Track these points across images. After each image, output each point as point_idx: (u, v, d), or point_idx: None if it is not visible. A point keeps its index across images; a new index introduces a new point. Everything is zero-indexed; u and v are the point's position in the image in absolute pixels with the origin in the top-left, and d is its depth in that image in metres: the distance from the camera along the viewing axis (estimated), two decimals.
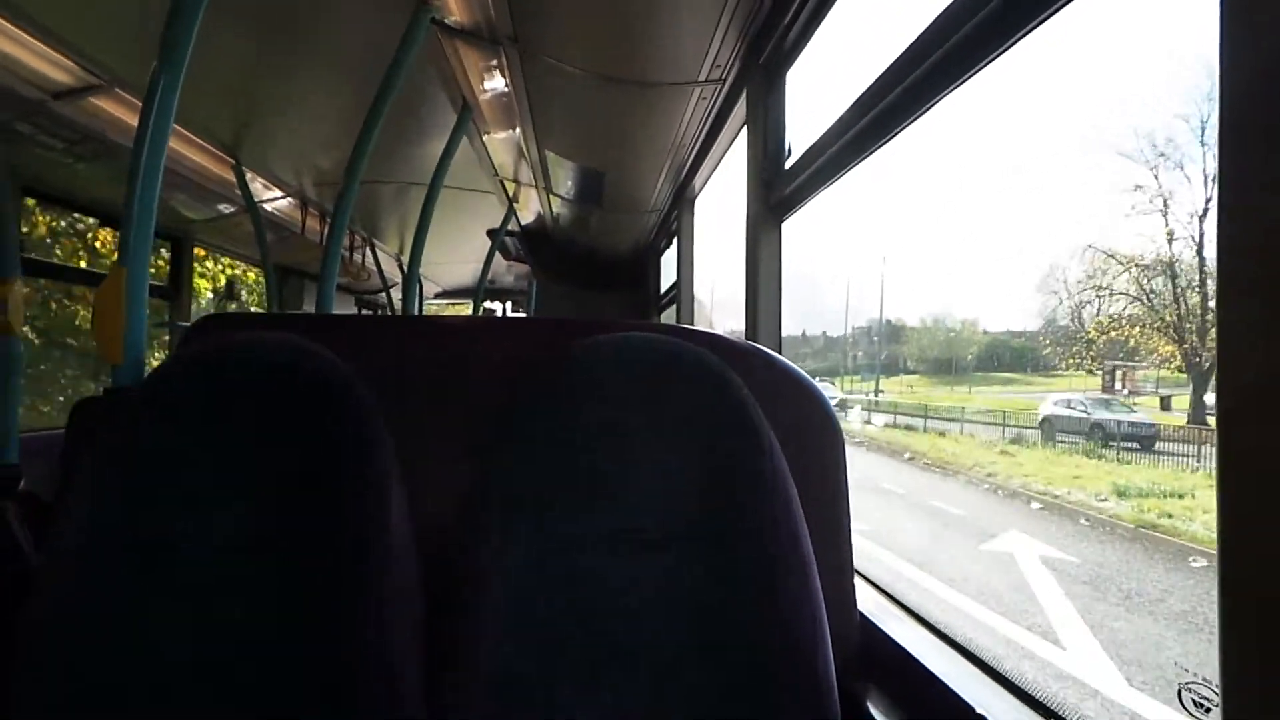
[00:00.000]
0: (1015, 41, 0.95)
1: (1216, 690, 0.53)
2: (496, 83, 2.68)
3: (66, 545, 0.76)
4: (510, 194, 4.36)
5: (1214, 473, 0.54)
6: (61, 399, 4.46)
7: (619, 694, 0.74)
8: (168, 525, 0.74)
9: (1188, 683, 0.86)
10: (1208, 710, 0.83)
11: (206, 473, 0.76)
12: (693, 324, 3.71)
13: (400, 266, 6.57)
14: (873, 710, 0.93)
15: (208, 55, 1.46)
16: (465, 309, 8.85)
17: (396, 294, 6.90)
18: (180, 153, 3.38)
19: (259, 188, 4.12)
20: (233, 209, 4.20)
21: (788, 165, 1.92)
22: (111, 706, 0.71)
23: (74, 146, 3.01)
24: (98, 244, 4.41)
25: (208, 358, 0.82)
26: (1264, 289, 0.50)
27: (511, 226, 5.06)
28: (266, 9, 2.30)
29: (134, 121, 1.37)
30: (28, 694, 0.71)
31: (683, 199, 3.58)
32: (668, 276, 4.49)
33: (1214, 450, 0.54)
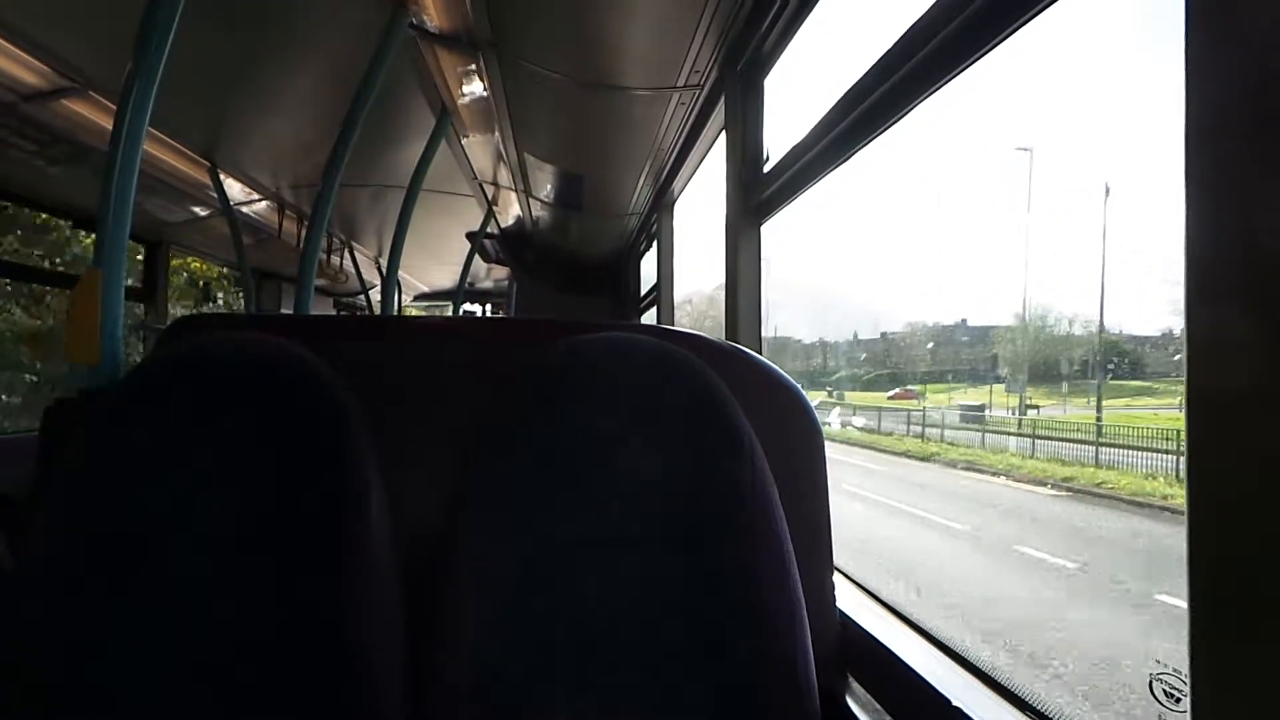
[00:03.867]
0: (996, 44, 0.96)
1: (1185, 680, 0.55)
2: (475, 87, 2.68)
3: (41, 548, 0.75)
4: (489, 197, 4.35)
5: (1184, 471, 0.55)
6: None
7: (604, 696, 0.74)
8: (144, 527, 0.74)
9: (1158, 674, 0.89)
10: (1178, 700, 0.85)
11: (183, 474, 0.75)
12: (673, 325, 3.72)
13: (379, 269, 6.54)
14: (852, 706, 0.94)
15: (183, 58, 1.45)
16: (445, 312, 8.81)
17: (375, 296, 6.86)
18: (155, 155, 3.34)
19: (236, 191, 4.09)
20: (209, 212, 4.16)
21: (766, 169, 1.94)
22: (86, 710, 0.70)
23: (46, 149, 2.98)
24: None
25: (185, 359, 0.82)
26: (1230, 294, 0.51)
27: (491, 229, 5.05)
28: (242, 11, 2.29)
29: (108, 124, 1.36)
30: (3, 698, 0.71)
31: (662, 202, 3.59)
32: (648, 279, 4.49)
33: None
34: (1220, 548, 0.52)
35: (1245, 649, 0.50)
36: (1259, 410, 0.49)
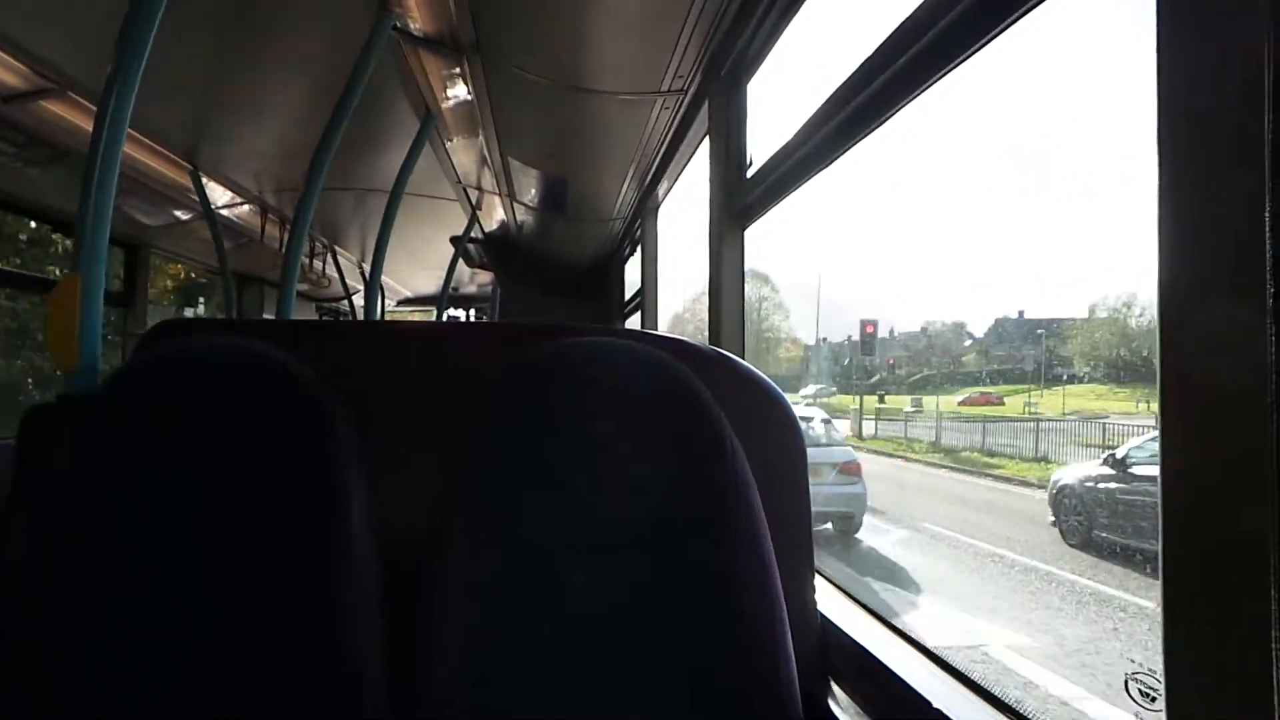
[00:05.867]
0: (980, 47, 0.96)
1: (1160, 680, 0.56)
2: (459, 90, 2.68)
3: (19, 554, 0.75)
4: (473, 201, 4.34)
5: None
6: None
7: (592, 700, 0.74)
8: (125, 531, 0.73)
9: (1134, 673, 0.90)
10: (1153, 700, 0.86)
11: (164, 479, 0.75)
12: (657, 330, 3.73)
13: (362, 274, 6.51)
14: (834, 709, 0.94)
15: (164, 60, 1.44)
16: (429, 317, 8.77)
17: (359, 300, 6.83)
18: (136, 158, 3.31)
19: (217, 194, 4.06)
20: (190, 215, 4.12)
21: (749, 174, 1.95)
22: (68, 712, 0.70)
23: (24, 150, 2.94)
24: None
25: (164, 363, 0.82)
26: (1203, 290, 0.52)
27: (475, 233, 5.04)
28: (225, 13, 2.27)
29: (88, 126, 1.35)
30: None
31: (646, 207, 3.59)
32: (633, 285, 4.50)
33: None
34: (1194, 547, 0.53)
35: (1219, 648, 0.51)
36: (1231, 408, 0.50)
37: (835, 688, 0.98)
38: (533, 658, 0.75)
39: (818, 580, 1.03)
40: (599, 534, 0.78)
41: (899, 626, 1.07)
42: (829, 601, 1.08)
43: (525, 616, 0.75)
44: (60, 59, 2.48)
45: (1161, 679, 0.55)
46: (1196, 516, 0.52)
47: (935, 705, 0.82)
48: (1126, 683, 0.91)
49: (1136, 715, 0.89)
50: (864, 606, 1.15)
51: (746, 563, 0.80)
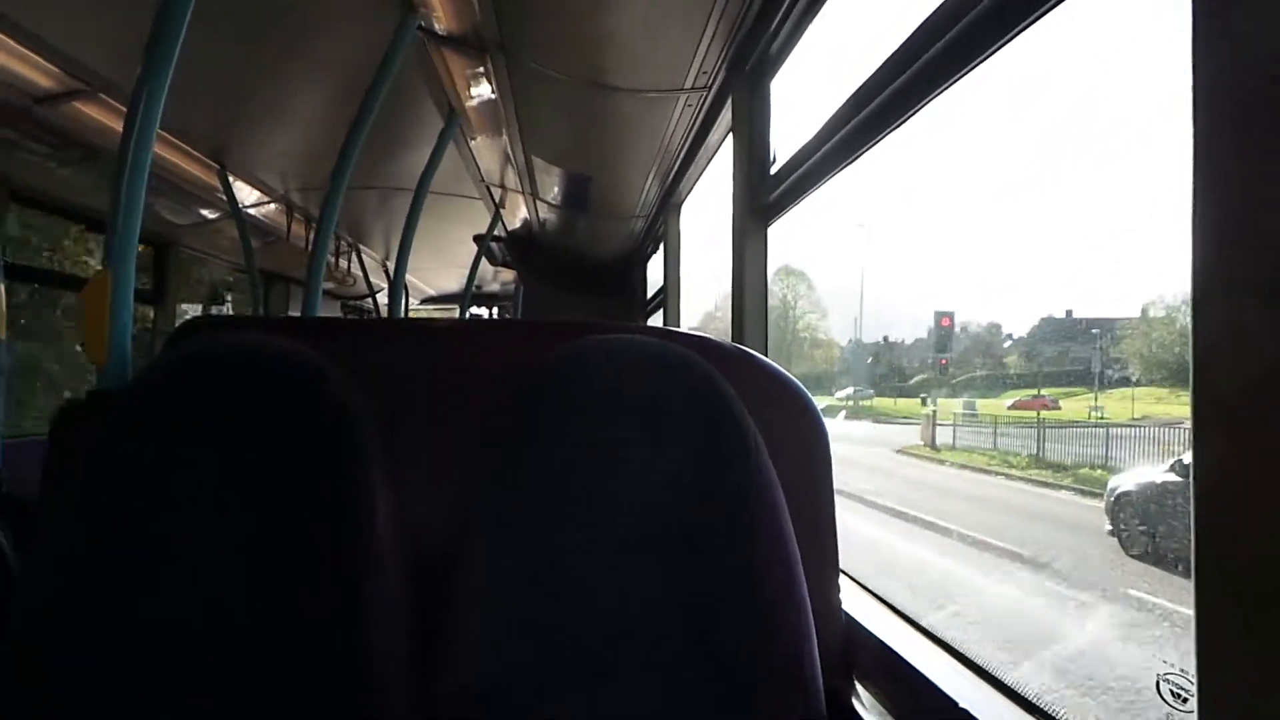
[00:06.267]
0: (1006, 42, 0.95)
1: (1193, 680, 0.55)
2: (483, 89, 2.69)
3: (49, 549, 0.76)
4: (496, 199, 4.36)
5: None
6: None
7: (612, 701, 0.74)
8: (151, 528, 0.74)
9: (1166, 674, 0.88)
10: (1184, 700, 0.84)
11: (191, 475, 0.76)
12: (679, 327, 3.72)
13: (386, 272, 6.56)
14: (859, 709, 0.93)
15: (193, 60, 1.45)
16: (451, 314, 8.82)
17: (383, 299, 6.89)
18: (165, 158, 3.36)
19: (245, 193, 4.11)
20: (217, 214, 4.18)
21: (773, 171, 1.94)
22: (92, 710, 0.71)
23: (58, 151, 3.00)
24: None
25: (193, 360, 0.82)
26: (1238, 292, 0.51)
27: (498, 232, 5.05)
28: (253, 14, 2.30)
29: (119, 126, 1.37)
30: (9, 698, 0.71)
31: (669, 204, 3.59)
32: (654, 282, 4.49)
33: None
34: (1227, 547, 0.52)
35: (1252, 649, 0.50)
36: (1266, 409, 0.49)
37: (859, 686, 0.98)
38: (554, 666, 0.74)
39: (842, 579, 1.02)
40: (620, 534, 0.77)
41: (925, 626, 1.06)
42: (854, 600, 1.07)
43: (545, 625, 0.75)
44: (91, 60, 2.53)
45: (1193, 680, 0.54)
46: (1230, 518, 0.52)
47: (961, 705, 0.81)
48: (1158, 683, 0.90)
49: (1168, 716, 0.88)
50: (891, 606, 1.14)
51: (770, 560, 0.80)
